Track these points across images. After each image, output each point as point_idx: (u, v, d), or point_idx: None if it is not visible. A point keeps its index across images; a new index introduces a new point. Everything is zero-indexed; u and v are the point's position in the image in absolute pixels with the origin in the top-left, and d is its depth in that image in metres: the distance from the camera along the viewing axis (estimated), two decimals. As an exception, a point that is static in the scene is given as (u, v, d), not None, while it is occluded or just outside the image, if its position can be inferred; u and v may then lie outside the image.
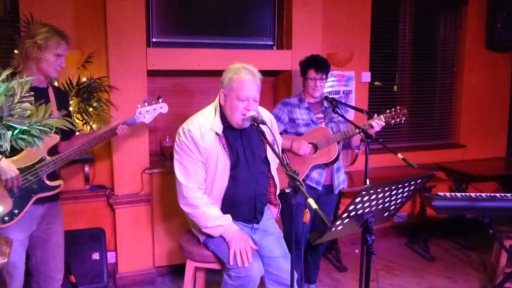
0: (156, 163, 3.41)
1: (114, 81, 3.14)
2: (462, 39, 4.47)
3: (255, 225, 2.32)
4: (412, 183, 1.87)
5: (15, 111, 1.22)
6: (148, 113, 2.52)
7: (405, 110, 2.66)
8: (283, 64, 3.53)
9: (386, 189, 1.78)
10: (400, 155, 2.26)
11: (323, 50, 3.58)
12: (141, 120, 2.51)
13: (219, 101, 2.24)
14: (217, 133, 2.18)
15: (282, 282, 2.22)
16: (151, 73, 3.31)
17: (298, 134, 2.79)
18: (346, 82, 4.00)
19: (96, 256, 3.21)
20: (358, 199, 1.71)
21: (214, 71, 3.11)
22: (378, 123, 2.60)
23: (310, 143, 2.75)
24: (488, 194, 2.92)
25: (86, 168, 3.28)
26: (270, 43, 3.53)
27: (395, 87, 4.46)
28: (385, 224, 4.16)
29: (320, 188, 2.78)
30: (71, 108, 3.07)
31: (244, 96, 2.12)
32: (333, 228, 1.76)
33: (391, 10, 4.24)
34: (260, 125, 2.04)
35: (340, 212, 3.56)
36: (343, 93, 4.01)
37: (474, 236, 4.04)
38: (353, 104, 4.01)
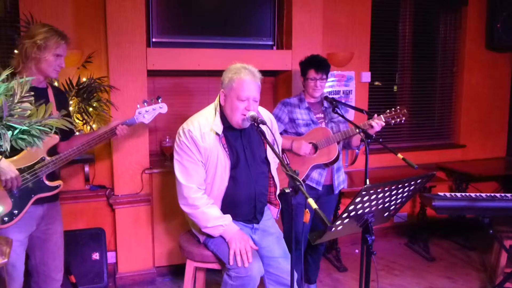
0: (156, 163, 3.41)
1: (114, 81, 3.14)
2: (462, 39, 4.47)
3: (255, 225, 2.32)
4: (412, 183, 1.87)
5: (15, 111, 1.22)
6: (147, 113, 2.52)
7: (405, 110, 2.65)
8: (283, 64, 3.53)
9: (386, 189, 1.78)
10: (400, 155, 2.26)
11: (323, 50, 3.58)
12: (141, 120, 2.51)
13: (219, 101, 2.24)
14: (217, 133, 2.18)
15: (282, 282, 2.22)
16: (151, 73, 3.32)
17: (298, 134, 2.79)
18: (346, 82, 4.00)
19: (96, 256, 3.21)
20: (358, 199, 1.71)
21: (214, 71, 3.11)
22: (378, 123, 2.60)
23: (310, 143, 2.75)
24: (488, 194, 2.92)
25: (86, 168, 3.28)
26: (270, 43, 3.53)
27: (395, 87, 4.46)
28: (385, 224, 4.16)
29: (320, 188, 2.78)
30: (71, 108, 3.07)
31: (244, 96, 2.12)
32: (333, 228, 1.76)
33: (391, 10, 4.24)
34: (260, 125, 2.04)
35: (340, 212, 3.56)
36: (343, 93, 4.01)
37: (474, 236, 4.04)
38: (353, 104, 4.01)
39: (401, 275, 3.52)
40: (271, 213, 2.45)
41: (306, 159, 2.75)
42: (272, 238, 2.33)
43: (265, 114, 2.37)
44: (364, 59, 4.06)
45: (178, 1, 3.32)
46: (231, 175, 2.20)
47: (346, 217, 1.76)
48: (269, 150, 2.30)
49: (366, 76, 4.08)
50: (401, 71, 4.42)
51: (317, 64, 2.75)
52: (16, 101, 1.22)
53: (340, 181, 2.88)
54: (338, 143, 2.76)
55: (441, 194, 2.93)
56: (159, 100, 2.55)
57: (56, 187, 2.19)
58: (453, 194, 2.94)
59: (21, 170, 2.02)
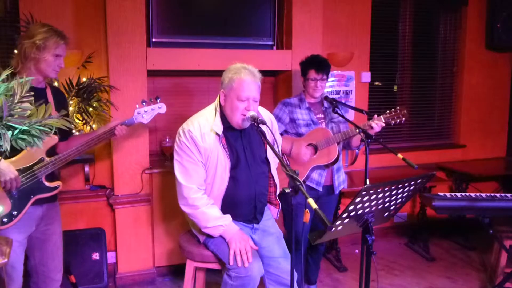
0: (156, 163, 3.41)
1: (114, 81, 3.14)
2: (462, 39, 4.47)
3: (255, 225, 2.32)
4: (412, 183, 1.87)
5: (15, 111, 1.22)
6: (146, 113, 2.51)
7: (405, 111, 2.65)
8: (283, 64, 3.53)
9: (386, 189, 1.78)
10: (400, 155, 2.26)
11: (323, 50, 3.58)
12: (140, 121, 2.51)
13: (219, 101, 2.24)
14: (217, 134, 2.18)
15: (282, 282, 2.22)
16: (151, 73, 3.31)
17: (299, 134, 2.79)
18: (346, 82, 4.00)
19: (96, 256, 3.21)
20: (358, 199, 1.71)
21: (214, 71, 3.11)
22: (378, 123, 2.60)
23: (310, 144, 2.74)
24: (488, 194, 2.92)
25: (86, 168, 3.28)
26: (270, 43, 3.53)
27: (395, 87, 4.46)
28: (385, 224, 4.16)
29: (320, 189, 2.78)
30: (71, 108, 3.07)
31: (244, 97, 2.12)
32: (333, 228, 1.76)
33: (391, 10, 4.24)
34: (260, 125, 2.04)
35: (340, 212, 3.56)
36: (343, 93, 4.01)
37: (474, 236, 4.04)
38: (353, 104, 4.01)
39: (401, 275, 3.52)
40: (271, 213, 2.45)
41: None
42: (272, 238, 2.33)
43: (265, 114, 2.36)
44: (364, 59, 4.06)
45: (178, 1, 3.32)
46: (231, 175, 2.20)
47: (346, 217, 1.76)
48: (269, 150, 2.30)
49: (366, 76, 4.08)
50: (401, 71, 4.42)
51: (317, 65, 2.74)
52: (16, 101, 1.22)
53: (340, 182, 2.88)
54: (338, 143, 2.75)
55: (441, 194, 2.93)
56: (158, 100, 2.55)
57: (55, 187, 2.18)
58: (453, 194, 2.94)
59: (20, 171, 2.01)
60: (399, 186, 1.82)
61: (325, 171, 2.79)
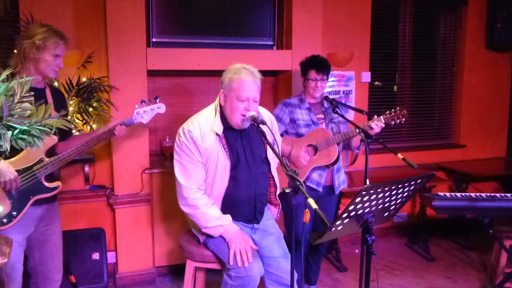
0: (156, 163, 3.41)
1: (114, 81, 3.14)
2: (462, 39, 4.47)
3: (255, 225, 2.32)
4: (412, 183, 1.87)
5: (15, 111, 1.22)
6: (145, 113, 2.51)
7: (405, 111, 2.65)
8: (283, 64, 3.53)
9: (386, 189, 1.78)
10: (400, 155, 2.26)
11: (323, 50, 3.58)
12: (139, 121, 2.51)
13: (219, 101, 2.24)
14: (217, 134, 2.18)
15: (282, 282, 2.22)
16: (151, 73, 3.31)
17: (299, 135, 2.79)
18: (346, 82, 4.00)
19: (96, 256, 3.21)
20: (358, 199, 1.71)
21: (214, 71, 3.11)
22: (377, 124, 2.59)
23: (310, 145, 2.74)
24: (488, 194, 2.92)
25: (86, 168, 3.28)
26: (270, 43, 3.53)
27: (395, 87, 4.46)
28: (385, 224, 4.16)
29: (320, 189, 2.78)
30: (71, 108, 3.07)
31: (244, 97, 2.12)
32: (333, 228, 1.76)
33: (391, 10, 4.24)
34: (260, 125, 2.04)
35: (340, 212, 3.55)
36: (343, 93, 4.01)
37: (474, 236, 4.04)
38: (353, 104, 4.01)
39: (401, 275, 3.52)
40: (271, 213, 2.45)
41: (306, 160, 2.75)
42: (272, 238, 2.33)
43: (265, 114, 2.36)
44: (364, 59, 4.06)
45: (178, 1, 3.32)
46: (231, 176, 2.20)
47: (346, 217, 1.76)
48: (269, 150, 2.30)
49: (366, 76, 4.08)
50: (401, 71, 4.42)
51: (318, 65, 2.74)
52: (16, 101, 1.22)
53: (341, 182, 2.88)
54: (338, 144, 2.75)
55: (441, 194, 2.93)
56: (157, 100, 2.55)
57: (55, 188, 2.18)
58: (453, 194, 2.94)
59: (19, 172, 2.01)
60: (399, 186, 1.82)
61: (325, 172, 2.79)
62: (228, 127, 2.21)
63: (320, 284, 3.30)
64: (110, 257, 3.37)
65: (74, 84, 3.13)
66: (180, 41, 3.32)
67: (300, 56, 2.93)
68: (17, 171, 1.99)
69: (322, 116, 2.85)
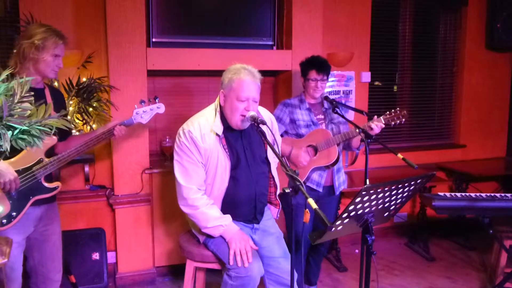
0: (156, 163, 3.41)
1: (114, 81, 3.14)
2: (462, 39, 4.47)
3: (255, 225, 2.32)
4: (412, 183, 1.87)
5: (15, 111, 1.22)
6: (145, 113, 2.51)
7: (404, 111, 2.65)
8: (283, 64, 3.53)
9: (386, 189, 1.78)
10: (400, 155, 2.26)
11: (323, 50, 3.58)
12: (138, 121, 2.51)
13: (219, 101, 2.24)
14: (217, 134, 2.18)
15: (282, 282, 2.22)
16: (151, 73, 3.31)
17: (299, 135, 2.78)
18: (346, 82, 4.00)
19: (96, 256, 3.21)
20: (358, 199, 1.71)
21: (214, 71, 3.11)
22: (377, 125, 2.59)
23: (310, 145, 2.74)
24: (488, 194, 2.92)
25: (86, 168, 3.28)
26: (270, 43, 3.53)
27: (395, 87, 4.46)
28: (385, 224, 4.16)
29: (320, 189, 2.78)
30: (71, 108, 3.07)
31: (244, 97, 2.12)
32: (333, 228, 1.76)
33: (391, 10, 4.24)
34: (260, 125, 2.03)
35: (340, 212, 3.55)
36: (343, 93, 4.01)
37: (474, 236, 4.04)
38: (353, 104, 4.01)
39: (401, 275, 3.52)
40: (271, 213, 2.45)
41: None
42: (272, 238, 2.33)
43: (265, 114, 2.36)
44: (364, 59, 4.06)
45: (178, 1, 3.32)
46: (231, 176, 2.20)
47: (346, 217, 1.76)
48: (269, 150, 2.30)
49: (366, 76, 4.07)
50: (401, 71, 4.42)
51: (318, 65, 2.74)
52: (16, 101, 1.22)
53: (341, 182, 2.88)
54: (338, 145, 2.75)
55: (441, 194, 2.93)
56: (157, 100, 2.55)
57: (55, 188, 2.17)
58: (453, 194, 2.94)
59: (19, 172, 2.01)
60: (399, 186, 1.82)
61: (325, 172, 2.79)
62: (228, 127, 2.21)
63: (320, 284, 3.30)
64: (110, 257, 3.37)
65: (74, 84, 3.13)
66: (180, 41, 3.32)
67: (300, 56, 2.93)
68: (16, 171, 1.98)
69: (322, 116, 2.85)
